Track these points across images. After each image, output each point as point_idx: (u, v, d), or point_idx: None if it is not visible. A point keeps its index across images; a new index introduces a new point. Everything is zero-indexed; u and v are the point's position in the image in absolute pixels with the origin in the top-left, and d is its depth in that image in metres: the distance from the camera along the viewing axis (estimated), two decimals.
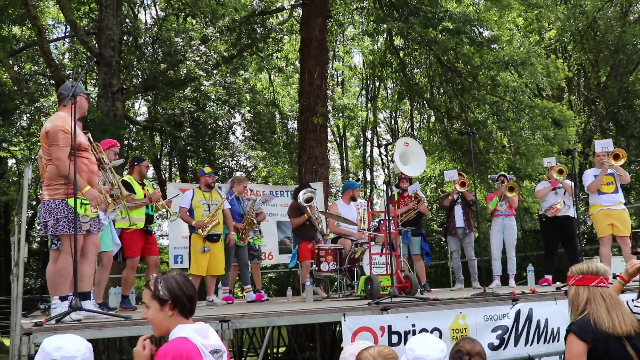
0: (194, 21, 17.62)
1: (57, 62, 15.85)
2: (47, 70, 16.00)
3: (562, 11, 17.72)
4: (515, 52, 13.72)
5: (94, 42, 13.80)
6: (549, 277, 8.71)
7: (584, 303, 3.09)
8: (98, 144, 5.93)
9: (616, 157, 7.86)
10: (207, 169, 8.20)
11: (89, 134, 5.79)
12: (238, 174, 18.99)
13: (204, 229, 7.59)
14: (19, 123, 18.28)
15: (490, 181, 12.29)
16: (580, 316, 3.10)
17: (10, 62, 15.63)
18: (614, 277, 7.92)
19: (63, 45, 20.03)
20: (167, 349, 2.52)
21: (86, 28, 15.74)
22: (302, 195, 8.47)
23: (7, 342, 15.92)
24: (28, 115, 16.92)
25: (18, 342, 4.29)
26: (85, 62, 15.17)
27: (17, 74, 15.15)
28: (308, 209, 8.44)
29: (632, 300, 3.39)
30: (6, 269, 20.73)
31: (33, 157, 17.43)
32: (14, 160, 22.19)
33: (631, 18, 19.94)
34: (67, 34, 18.96)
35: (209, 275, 7.83)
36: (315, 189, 9.09)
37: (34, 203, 17.58)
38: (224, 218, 8.05)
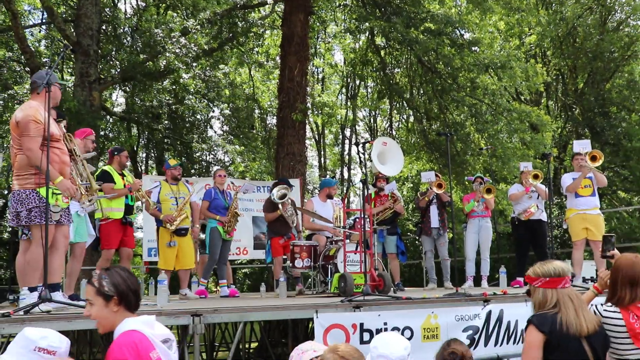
0: (175, 14, 17.47)
1: (33, 49, 15.57)
2: (22, 57, 15.73)
3: (544, 16, 17.92)
4: (496, 55, 13.84)
5: (72, 30, 13.60)
6: (521, 279, 8.80)
7: (552, 305, 3.15)
8: (70, 135, 5.83)
9: (593, 158, 7.89)
10: (173, 161, 8.08)
11: (64, 122, 5.69)
12: (216, 168, 18.91)
13: (172, 223, 7.52)
14: None
15: (467, 183, 12.38)
16: (544, 310, 3.16)
17: None
18: (584, 280, 8.04)
19: (39, 32, 19.69)
20: (120, 342, 2.51)
21: (64, 15, 15.50)
22: (275, 192, 8.42)
23: None
24: (1, 102, 16.59)
25: None
26: (62, 50, 14.97)
27: None
28: (280, 205, 8.41)
29: (601, 305, 3.44)
30: None
31: (5, 145, 17.13)
32: None
33: (609, 26, 20.24)
34: (43, 20, 18.65)
35: (181, 269, 7.77)
36: (292, 185, 9.07)
37: (5, 192, 17.30)
38: (192, 211, 7.98)
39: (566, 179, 8.20)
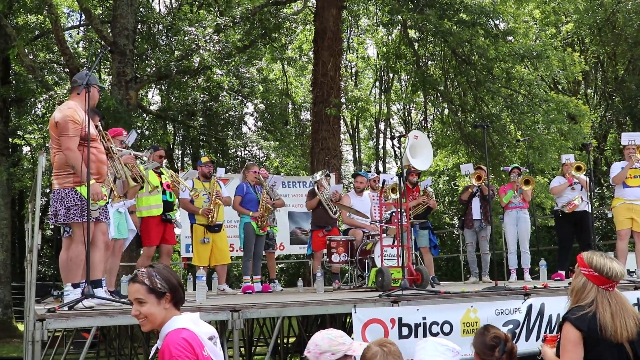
0: (207, 12, 17.63)
1: (72, 51, 15.90)
2: (62, 58, 16.08)
3: (581, 2, 17.49)
4: (531, 44, 13.57)
5: (108, 30, 13.84)
6: (562, 272, 8.64)
7: (590, 301, 3.04)
8: (107, 132, 5.91)
9: None
10: (204, 159, 8.11)
11: (100, 123, 5.78)
12: (249, 163, 19.04)
13: (211, 216, 7.60)
14: (33, 111, 18.41)
15: (504, 174, 12.18)
16: (579, 307, 3.06)
17: (25, 50, 15.73)
18: (628, 273, 7.84)
19: (77, 33, 20.09)
20: (174, 340, 2.51)
21: (100, 17, 15.77)
22: (317, 174, 8.69)
23: (22, 327, 16.12)
24: (42, 103, 17.00)
25: (32, 328, 4.33)
26: (99, 50, 15.24)
27: (32, 62, 15.23)
28: (317, 187, 8.43)
29: None
30: (21, 255, 20.96)
31: (47, 145, 17.55)
32: (28, 148, 22.38)
33: None
34: (81, 22, 19.03)
35: (217, 265, 7.85)
36: (329, 175, 9.14)
37: (48, 191, 17.74)
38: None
39: (615, 169, 7.97)
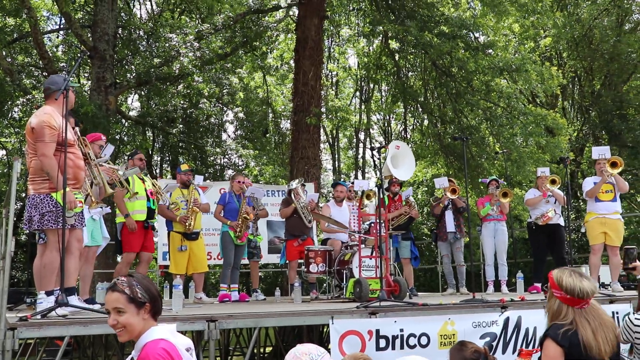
0: (188, 18, 17.57)
1: (51, 55, 15.72)
2: (40, 62, 15.88)
3: (559, 18, 17.77)
4: (510, 58, 13.74)
5: (89, 35, 13.71)
6: (539, 285, 8.71)
7: (569, 322, 3.02)
8: (84, 138, 5.83)
9: (613, 164, 7.72)
10: (184, 167, 8.07)
11: (77, 128, 5.70)
12: (230, 172, 19.00)
13: (187, 222, 7.55)
14: (10, 115, 18.11)
15: (482, 186, 12.29)
16: (559, 324, 3.06)
17: (3, 52, 15.50)
18: (603, 286, 7.90)
19: (57, 37, 19.86)
20: (153, 351, 2.48)
21: (81, 21, 15.63)
22: (293, 182, 8.63)
23: None
24: (20, 107, 16.75)
25: (2, 337, 4.23)
26: (79, 55, 15.08)
27: (10, 65, 15.00)
28: (293, 196, 8.41)
29: (632, 314, 3.35)
30: None
31: (24, 149, 17.29)
32: (4, 152, 22.03)
33: (626, 27, 20.04)
34: (61, 26, 18.82)
35: (195, 273, 7.78)
36: (304, 184, 9.12)
37: (23, 195, 17.46)
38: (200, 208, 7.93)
39: (587, 184, 8.05)
